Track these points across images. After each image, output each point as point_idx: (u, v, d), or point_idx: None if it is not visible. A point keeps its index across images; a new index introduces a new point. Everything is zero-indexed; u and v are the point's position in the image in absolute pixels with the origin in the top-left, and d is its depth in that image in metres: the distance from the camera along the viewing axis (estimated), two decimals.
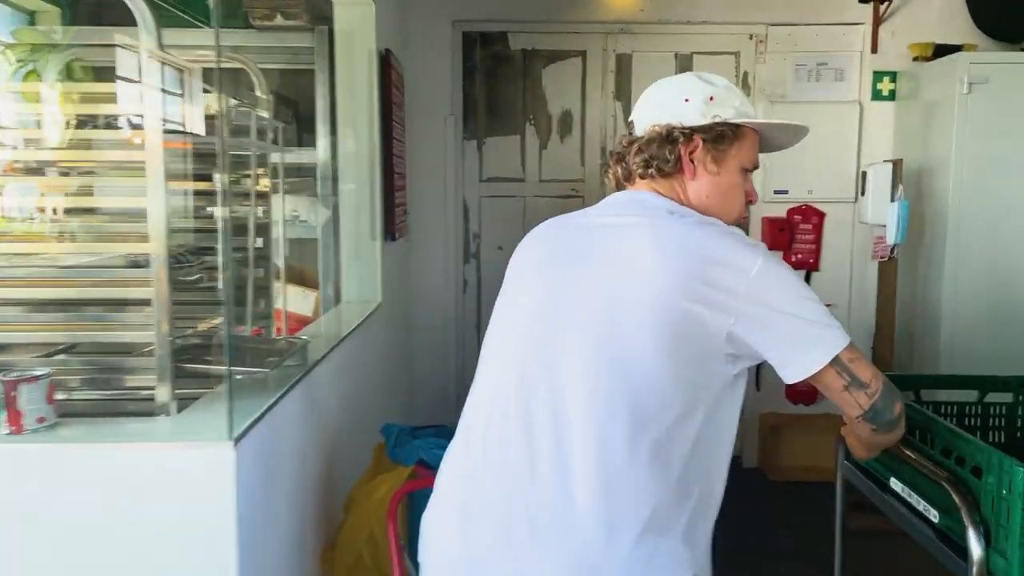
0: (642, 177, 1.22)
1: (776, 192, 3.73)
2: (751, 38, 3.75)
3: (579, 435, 1.07)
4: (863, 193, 3.33)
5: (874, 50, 3.67)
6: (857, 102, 3.70)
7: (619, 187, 1.28)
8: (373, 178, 2.72)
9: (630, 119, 1.27)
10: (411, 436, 1.98)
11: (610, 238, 1.16)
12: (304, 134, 3.39)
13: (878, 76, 3.68)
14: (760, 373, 3.89)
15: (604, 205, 1.25)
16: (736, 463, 4.03)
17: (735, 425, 1.16)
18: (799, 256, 3.76)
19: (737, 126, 1.20)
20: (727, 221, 1.20)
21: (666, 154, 1.18)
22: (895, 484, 1.49)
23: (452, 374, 3.85)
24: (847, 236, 3.79)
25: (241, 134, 2.05)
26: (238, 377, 1.56)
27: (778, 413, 3.84)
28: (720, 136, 1.19)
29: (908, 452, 1.40)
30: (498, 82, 3.83)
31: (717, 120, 1.18)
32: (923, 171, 3.38)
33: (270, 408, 1.52)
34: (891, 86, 3.68)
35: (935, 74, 3.38)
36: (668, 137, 1.18)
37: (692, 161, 1.19)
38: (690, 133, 1.18)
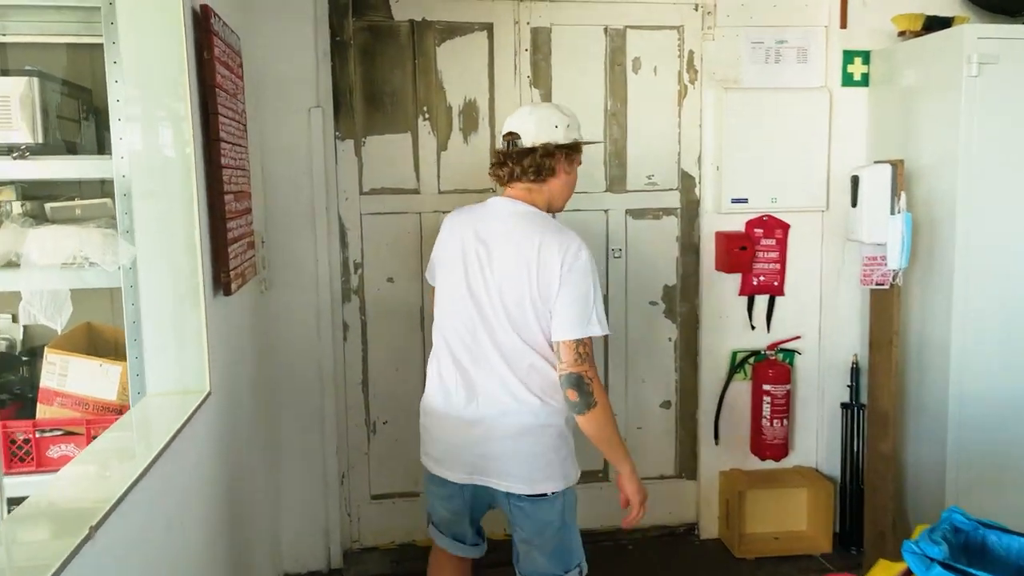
0: (520, 179, 1.86)
1: (734, 201, 3.01)
2: (697, 9, 3.01)
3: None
4: (855, 203, 2.65)
5: (843, 24, 3.00)
6: (825, 88, 3.03)
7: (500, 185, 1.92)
8: (191, 204, 1.77)
9: (509, 132, 1.87)
10: None
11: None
12: (105, 133, 2.41)
13: (848, 56, 3.02)
14: (718, 424, 3.19)
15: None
16: (690, 534, 3.17)
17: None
18: (762, 279, 3.06)
19: (578, 142, 1.89)
20: (564, 203, 1.94)
21: (549, 163, 1.82)
22: None
23: (331, 450, 2.92)
24: (815, 253, 3.12)
25: None
26: None
27: (744, 471, 3.14)
28: (575, 150, 1.88)
29: None
30: (379, 63, 2.92)
31: (576, 140, 1.88)
32: (912, 174, 2.73)
33: None
34: (864, 69, 3.02)
35: (926, 54, 2.74)
36: (550, 151, 1.83)
37: (559, 167, 1.85)
38: (561, 148, 1.84)
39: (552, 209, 1.87)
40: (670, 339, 3.18)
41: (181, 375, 1.80)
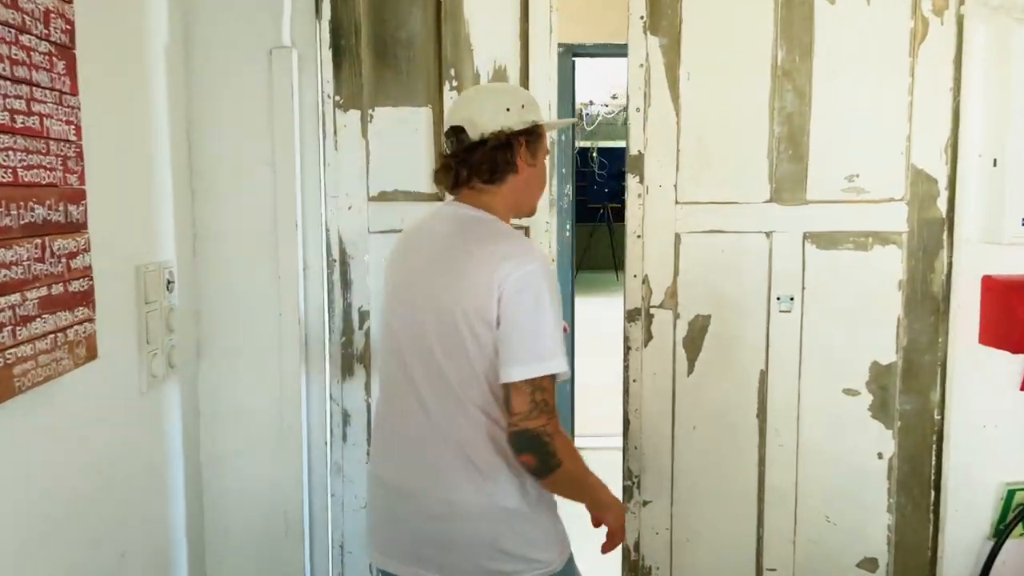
0: (469, 183, 1.35)
1: None
2: None
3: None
4: None
5: None
6: None
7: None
8: None
9: (451, 127, 1.34)
10: None
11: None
12: None
13: None
14: None
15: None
16: None
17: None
18: None
19: (539, 124, 1.38)
20: (535, 203, 1.43)
21: (504, 156, 1.33)
22: None
23: None
24: None
25: None
26: None
27: None
28: (537, 135, 1.38)
29: None
30: None
31: (535, 122, 1.37)
32: None
33: None
34: None
35: None
36: (504, 141, 1.33)
37: (519, 159, 1.35)
38: (518, 136, 1.35)
39: (520, 213, 1.41)
40: (880, 455, 1.86)
41: None
